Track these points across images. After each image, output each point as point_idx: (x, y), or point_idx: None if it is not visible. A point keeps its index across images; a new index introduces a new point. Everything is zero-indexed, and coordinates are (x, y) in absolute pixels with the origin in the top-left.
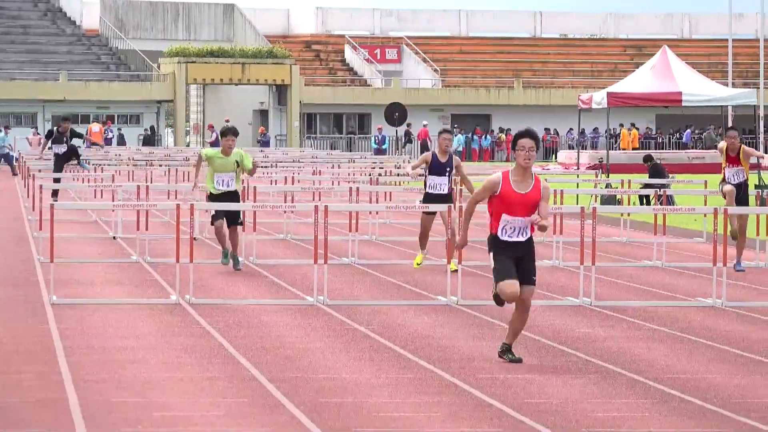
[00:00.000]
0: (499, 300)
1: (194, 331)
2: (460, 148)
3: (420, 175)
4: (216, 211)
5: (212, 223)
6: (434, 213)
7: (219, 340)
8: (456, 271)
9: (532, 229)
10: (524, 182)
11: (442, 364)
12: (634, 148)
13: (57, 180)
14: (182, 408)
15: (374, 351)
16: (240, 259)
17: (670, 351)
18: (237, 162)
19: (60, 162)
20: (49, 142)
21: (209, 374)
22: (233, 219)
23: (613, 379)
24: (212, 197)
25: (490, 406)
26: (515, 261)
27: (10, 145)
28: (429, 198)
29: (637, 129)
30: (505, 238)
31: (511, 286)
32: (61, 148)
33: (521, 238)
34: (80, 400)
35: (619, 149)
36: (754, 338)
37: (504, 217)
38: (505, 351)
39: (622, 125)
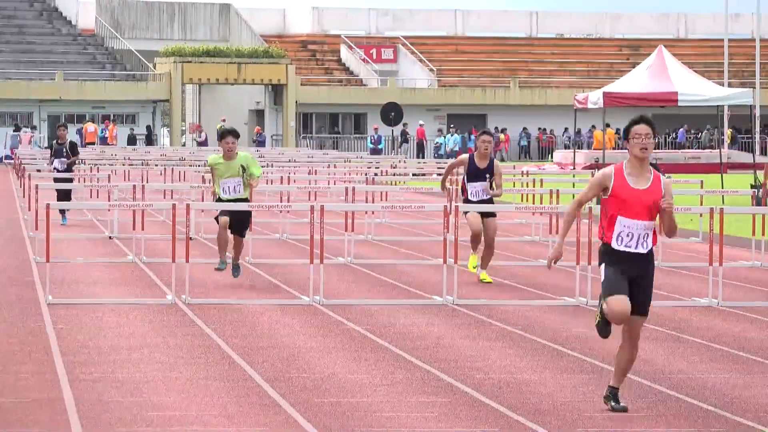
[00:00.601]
0: (604, 328)
1: (190, 331)
2: (456, 148)
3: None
4: (222, 210)
5: (216, 220)
6: (479, 213)
7: (215, 339)
8: (489, 282)
9: (654, 240)
10: (642, 177)
11: (438, 364)
12: (611, 148)
13: (65, 196)
14: (178, 407)
15: (370, 351)
16: (240, 266)
17: (666, 350)
18: (243, 167)
19: (64, 187)
20: (51, 157)
21: (205, 374)
22: (240, 229)
23: (610, 379)
24: (220, 203)
25: (486, 405)
26: (629, 281)
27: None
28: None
29: (611, 128)
30: (621, 248)
31: (621, 303)
32: (62, 164)
33: (641, 250)
34: (76, 400)
35: (592, 149)
36: (749, 338)
37: (620, 220)
38: (611, 397)
39: (594, 126)
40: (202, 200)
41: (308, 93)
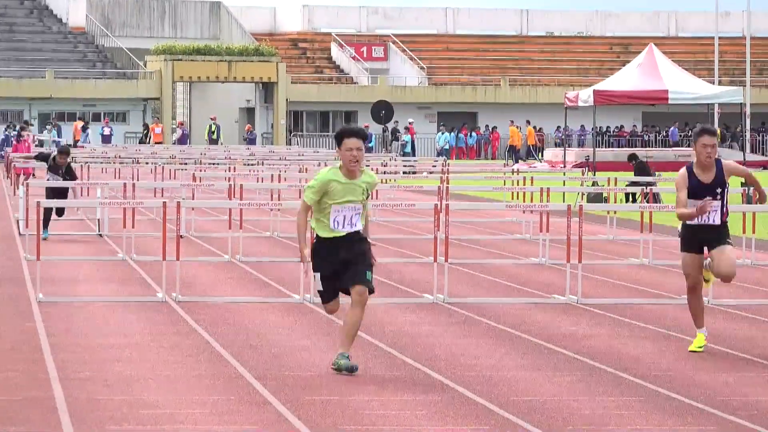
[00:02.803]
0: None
1: (180, 329)
2: (447, 146)
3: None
4: (324, 280)
5: (320, 296)
6: (701, 252)
7: (205, 337)
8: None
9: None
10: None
11: (428, 362)
12: (531, 145)
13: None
14: (168, 405)
15: (360, 349)
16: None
17: (657, 348)
18: (366, 190)
19: (49, 207)
20: (48, 172)
21: (195, 372)
22: (360, 277)
23: (600, 376)
24: (321, 243)
25: (477, 403)
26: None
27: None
28: (692, 232)
29: (534, 127)
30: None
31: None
32: (56, 180)
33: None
34: (66, 398)
35: (507, 147)
36: (740, 336)
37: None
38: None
39: (512, 122)
40: (193, 198)
41: (299, 91)
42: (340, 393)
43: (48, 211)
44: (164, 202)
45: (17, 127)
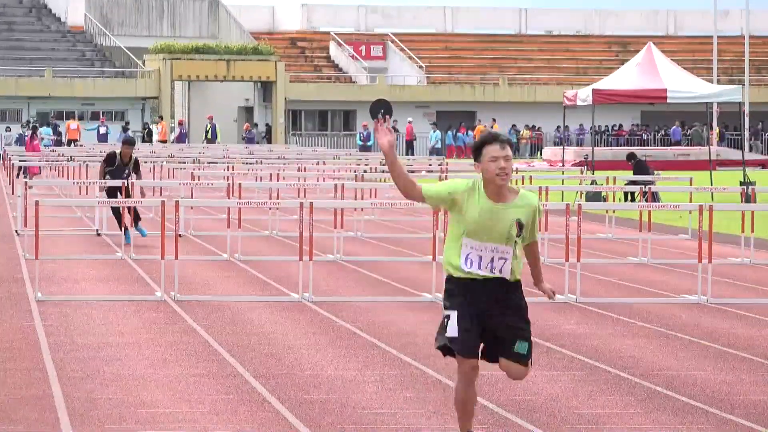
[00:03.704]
0: None
1: (179, 328)
2: (438, 145)
3: None
4: (462, 324)
5: (449, 345)
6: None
7: (204, 336)
8: None
9: None
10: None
11: (427, 361)
12: None
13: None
14: (167, 405)
15: (360, 348)
16: None
17: (656, 347)
18: (521, 222)
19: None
20: (105, 172)
21: (194, 371)
22: (510, 351)
23: (599, 375)
24: (454, 283)
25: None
26: None
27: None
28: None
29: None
30: None
31: None
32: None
33: None
34: (65, 397)
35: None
36: (738, 335)
37: None
38: None
39: (479, 121)
40: (191, 197)
41: (297, 90)
42: (338, 392)
43: (116, 212)
44: (163, 201)
45: (30, 127)
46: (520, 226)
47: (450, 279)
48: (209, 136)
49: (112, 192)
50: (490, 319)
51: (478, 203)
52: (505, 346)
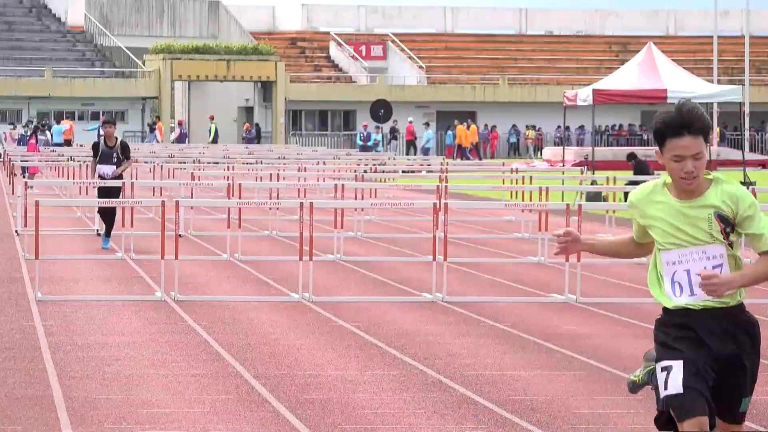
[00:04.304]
0: None
1: (179, 328)
2: (429, 145)
3: None
4: (688, 374)
5: (673, 403)
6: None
7: (204, 336)
8: None
9: None
10: None
11: (427, 361)
12: (472, 143)
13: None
14: (167, 405)
15: (359, 348)
16: None
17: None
18: (724, 215)
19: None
20: (94, 160)
21: (194, 371)
22: (729, 410)
23: (599, 375)
24: (670, 316)
25: (476, 402)
26: None
27: None
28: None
29: (475, 125)
30: None
31: None
32: (110, 168)
33: None
34: (65, 397)
35: (456, 146)
36: None
37: None
38: None
39: (460, 122)
40: (192, 197)
41: (297, 90)
42: (338, 392)
43: (103, 216)
44: (163, 201)
45: (33, 127)
46: (724, 220)
47: (665, 313)
48: (211, 136)
49: (103, 192)
50: (718, 365)
51: (664, 202)
52: (729, 406)
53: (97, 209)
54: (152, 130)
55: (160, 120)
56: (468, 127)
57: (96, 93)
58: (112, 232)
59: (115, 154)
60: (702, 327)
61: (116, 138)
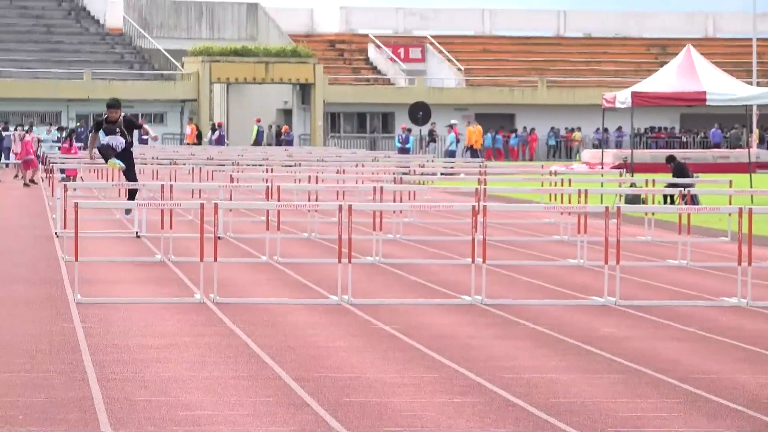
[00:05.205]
0: None
1: (218, 330)
2: (452, 147)
3: None
4: None
5: None
6: None
7: (243, 339)
8: None
9: None
10: None
11: (466, 364)
12: (470, 146)
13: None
14: (206, 407)
15: (399, 350)
16: None
17: (695, 350)
18: None
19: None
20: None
21: (234, 373)
22: None
23: (638, 378)
24: None
25: (515, 405)
26: None
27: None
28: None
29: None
30: None
31: None
32: (118, 142)
33: None
34: (105, 399)
35: (465, 148)
36: None
37: None
38: None
39: (468, 122)
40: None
41: (336, 92)
42: (378, 395)
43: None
44: (202, 204)
45: (69, 130)
46: None
47: None
48: (253, 139)
49: (106, 150)
50: None
51: None
52: None
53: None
54: (214, 130)
55: (192, 122)
56: (474, 128)
57: (134, 95)
58: (150, 234)
59: (118, 129)
60: None
61: (122, 115)
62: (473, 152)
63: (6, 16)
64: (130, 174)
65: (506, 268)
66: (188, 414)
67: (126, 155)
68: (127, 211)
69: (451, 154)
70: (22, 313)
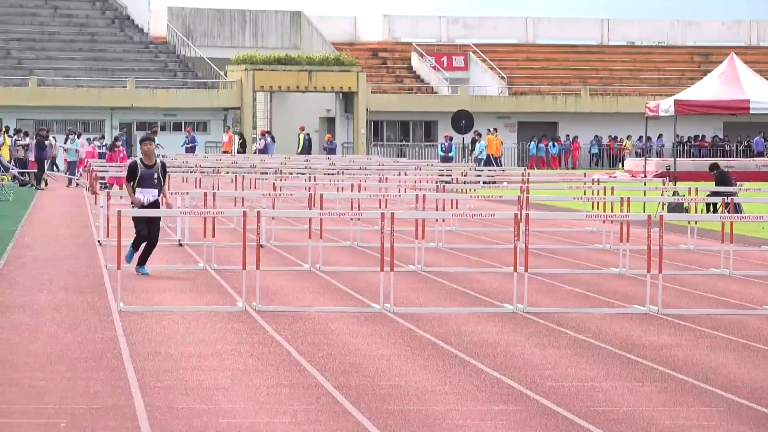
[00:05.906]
0: None
1: (260, 339)
2: (482, 156)
3: None
4: None
5: None
6: None
7: (285, 347)
8: None
9: None
10: None
11: (508, 372)
12: (490, 155)
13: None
14: (248, 415)
15: (440, 358)
16: None
17: (737, 359)
18: None
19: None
20: (132, 184)
21: (275, 381)
22: None
23: (680, 387)
24: None
25: (557, 414)
26: None
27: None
28: None
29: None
30: None
31: None
32: (150, 194)
33: None
34: (146, 406)
35: (486, 155)
36: None
37: None
38: None
39: (489, 130)
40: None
41: (379, 100)
42: (420, 403)
43: (138, 240)
44: (244, 212)
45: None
46: None
47: None
48: (300, 147)
49: (142, 220)
50: None
51: None
52: None
53: (134, 237)
54: (269, 136)
55: (230, 130)
56: (495, 135)
57: (178, 104)
58: (193, 243)
59: (156, 175)
60: None
61: (156, 156)
62: (488, 161)
63: (50, 24)
64: (153, 228)
65: (548, 276)
66: (229, 422)
67: (154, 206)
68: (130, 258)
69: (480, 162)
70: (65, 320)
